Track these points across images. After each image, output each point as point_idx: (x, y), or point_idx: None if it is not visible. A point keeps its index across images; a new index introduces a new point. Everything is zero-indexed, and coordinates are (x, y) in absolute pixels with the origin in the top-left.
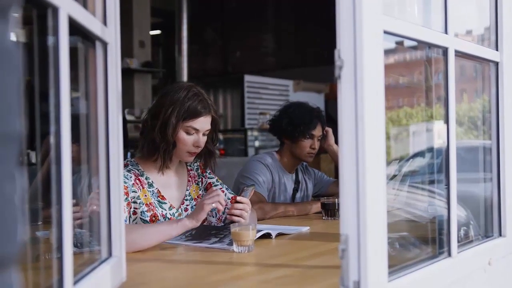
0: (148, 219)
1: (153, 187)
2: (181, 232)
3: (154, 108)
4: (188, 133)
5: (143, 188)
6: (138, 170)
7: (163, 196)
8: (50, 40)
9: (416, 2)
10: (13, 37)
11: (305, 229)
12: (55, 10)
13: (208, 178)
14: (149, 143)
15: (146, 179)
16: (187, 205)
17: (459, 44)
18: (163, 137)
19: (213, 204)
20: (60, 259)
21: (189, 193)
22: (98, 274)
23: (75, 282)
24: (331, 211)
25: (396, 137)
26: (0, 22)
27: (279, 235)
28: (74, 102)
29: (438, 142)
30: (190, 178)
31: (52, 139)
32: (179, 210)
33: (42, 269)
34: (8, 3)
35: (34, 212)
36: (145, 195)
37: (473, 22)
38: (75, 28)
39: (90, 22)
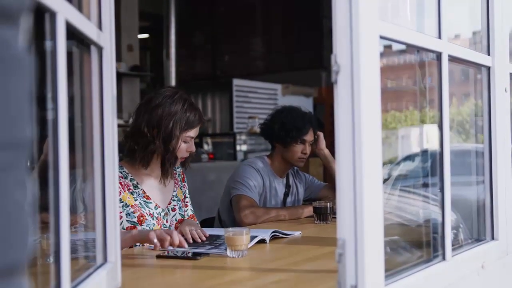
0: (135, 220)
1: (139, 188)
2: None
3: (149, 119)
4: (185, 142)
5: (125, 191)
6: (121, 173)
7: (148, 196)
8: (47, 44)
9: (409, 7)
10: (24, 43)
11: (297, 233)
12: (53, 14)
13: (186, 188)
14: (150, 154)
15: (130, 180)
16: (174, 205)
17: (452, 49)
18: (166, 149)
19: (155, 240)
20: (58, 265)
21: (176, 194)
22: (94, 280)
23: None
24: (323, 215)
25: (384, 141)
26: (10, 29)
27: (274, 238)
28: (68, 107)
29: (428, 145)
30: (176, 180)
31: (49, 144)
32: (166, 209)
33: (37, 275)
34: (18, 9)
35: None
36: (128, 198)
37: (463, 26)
38: (71, 32)
39: (86, 26)
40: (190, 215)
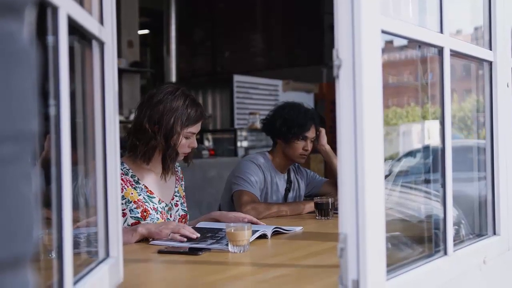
0: (139, 215)
1: (140, 183)
2: (138, 239)
3: (151, 115)
4: (186, 138)
5: (128, 187)
6: (122, 169)
7: (151, 191)
8: (49, 39)
9: (411, 2)
10: (28, 36)
11: (298, 229)
12: (55, 9)
13: (183, 187)
14: (151, 150)
15: (131, 177)
16: (176, 201)
17: (454, 43)
18: (168, 145)
19: (170, 236)
20: (60, 260)
21: (177, 190)
22: (97, 275)
23: (74, 283)
24: (324, 210)
25: (385, 137)
26: (15, 22)
27: (275, 234)
28: (70, 102)
29: (430, 141)
30: (177, 177)
31: (52, 140)
32: (169, 204)
33: (39, 270)
34: (22, 2)
35: None
36: (132, 193)
37: (465, 21)
38: (73, 28)
39: (88, 21)
40: (182, 214)
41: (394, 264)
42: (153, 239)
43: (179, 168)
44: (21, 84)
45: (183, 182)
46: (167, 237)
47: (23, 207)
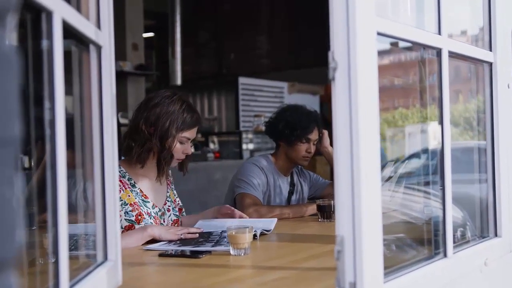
0: (133, 218)
1: (136, 187)
2: (147, 240)
3: (147, 117)
4: (181, 142)
5: (125, 189)
6: (119, 172)
7: (146, 195)
8: (44, 43)
9: (409, 4)
10: (11, 41)
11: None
12: (49, 14)
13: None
14: (146, 152)
15: (128, 180)
16: (168, 206)
17: (452, 45)
18: (162, 147)
19: (182, 236)
20: (56, 263)
21: (169, 195)
22: (94, 278)
23: (71, 286)
24: (326, 213)
25: (391, 139)
26: None
27: (262, 234)
28: (67, 107)
29: (434, 143)
30: (168, 182)
31: (47, 144)
32: (162, 209)
33: (36, 274)
34: (5, 7)
35: (28, 217)
36: (129, 195)
37: (466, 22)
38: (69, 32)
39: (84, 25)
40: (174, 219)
41: (392, 266)
42: (155, 242)
43: (170, 171)
44: (3, 89)
45: (173, 186)
46: (179, 238)
47: (4, 211)
